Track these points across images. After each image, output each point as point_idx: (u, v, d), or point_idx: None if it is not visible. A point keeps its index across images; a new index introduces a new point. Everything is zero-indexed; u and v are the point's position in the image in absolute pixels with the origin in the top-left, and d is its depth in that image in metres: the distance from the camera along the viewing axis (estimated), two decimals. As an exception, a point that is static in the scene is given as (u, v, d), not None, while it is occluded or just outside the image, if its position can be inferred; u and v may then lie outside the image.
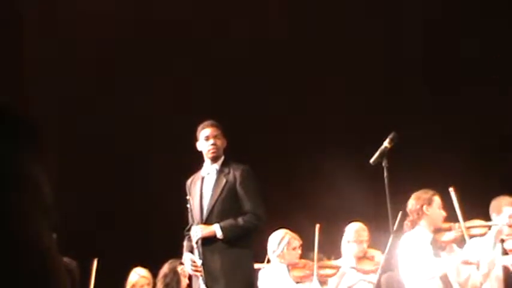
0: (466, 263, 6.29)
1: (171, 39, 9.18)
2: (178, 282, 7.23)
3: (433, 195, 6.41)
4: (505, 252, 6.53)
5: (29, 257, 1.42)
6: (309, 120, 9.14)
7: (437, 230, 6.40)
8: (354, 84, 9.06)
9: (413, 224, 6.40)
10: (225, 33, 9.27)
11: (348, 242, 7.25)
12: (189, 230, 6.10)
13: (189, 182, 6.21)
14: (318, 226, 6.97)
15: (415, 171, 7.66)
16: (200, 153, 6.15)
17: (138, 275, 7.73)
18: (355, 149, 7.14)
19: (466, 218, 6.46)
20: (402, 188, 6.37)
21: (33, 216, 1.50)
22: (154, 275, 7.57)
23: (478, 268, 6.31)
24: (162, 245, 7.62)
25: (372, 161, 5.70)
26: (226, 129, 6.20)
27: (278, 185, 8.67)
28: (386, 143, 5.71)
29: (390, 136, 5.74)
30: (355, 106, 9.06)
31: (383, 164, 5.65)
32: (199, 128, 6.15)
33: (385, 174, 5.61)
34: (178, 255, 6.60)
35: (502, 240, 6.56)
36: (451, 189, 6.47)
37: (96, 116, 9.00)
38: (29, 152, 1.53)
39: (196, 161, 6.22)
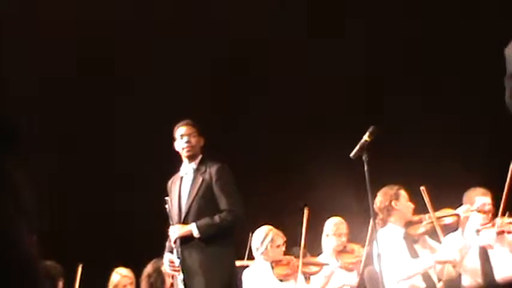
0: (440, 262, 6.34)
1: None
2: (162, 282, 7.21)
3: (399, 189, 6.48)
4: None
5: (7, 261, 1.40)
6: (292, 118, 9.14)
7: (409, 223, 6.45)
8: (335, 82, 9.06)
9: (384, 221, 6.45)
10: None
11: (327, 235, 7.28)
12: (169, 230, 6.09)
13: (169, 182, 6.21)
14: (306, 209, 6.96)
15: (395, 164, 7.67)
16: (178, 154, 6.14)
17: (120, 274, 7.72)
18: (336, 143, 7.13)
19: (436, 209, 6.54)
20: (384, 181, 6.41)
21: (11, 218, 1.48)
22: (137, 275, 7.56)
23: (453, 264, 6.36)
24: (144, 245, 7.60)
25: (352, 154, 5.71)
26: (205, 126, 6.19)
27: (260, 180, 8.68)
28: (366, 137, 5.72)
29: (370, 130, 5.75)
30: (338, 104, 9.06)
31: (363, 158, 5.66)
32: (175, 127, 6.15)
33: (366, 168, 5.62)
34: (161, 255, 6.59)
35: (478, 232, 6.62)
36: (422, 188, 6.54)
37: (76, 114, 8.93)
38: (7, 151, 1.51)
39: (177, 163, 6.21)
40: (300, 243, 6.96)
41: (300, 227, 7.00)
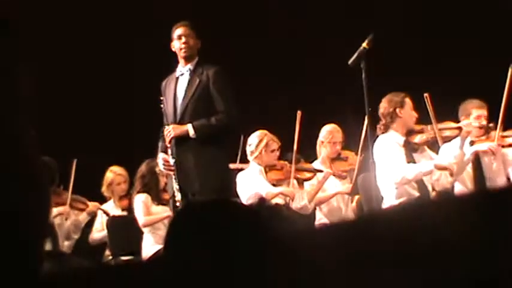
0: (439, 167, 6.36)
1: None
2: (156, 182, 7.25)
3: (404, 97, 6.43)
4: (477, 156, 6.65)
5: (9, 156, 1.38)
6: (290, 22, 9.04)
7: (410, 132, 6.45)
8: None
9: (386, 127, 6.43)
10: None
11: (322, 142, 7.29)
12: (162, 131, 6.10)
13: (163, 83, 6.19)
14: (299, 113, 6.95)
15: (393, 74, 7.61)
16: (175, 54, 6.10)
17: (114, 173, 7.77)
18: (335, 49, 7.07)
19: (439, 121, 6.53)
20: (381, 90, 6.37)
21: (10, 110, 1.45)
22: (131, 174, 7.60)
23: (450, 172, 6.39)
24: (138, 144, 7.61)
25: (349, 62, 5.66)
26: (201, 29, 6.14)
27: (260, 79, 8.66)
28: (364, 44, 5.66)
29: (369, 37, 5.69)
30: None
31: (361, 66, 5.62)
32: (173, 28, 6.12)
33: (363, 76, 5.58)
34: (155, 155, 6.61)
35: (472, 143, 6.65)
36: (426, 95, 6.51)
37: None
38: (3, 44, 1.48)
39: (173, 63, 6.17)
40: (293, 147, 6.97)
41: (293, 133, 7.00)
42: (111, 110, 8.87)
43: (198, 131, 5.88)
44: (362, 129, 6.75)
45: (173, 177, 5.90)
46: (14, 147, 1.46)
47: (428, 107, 6.49)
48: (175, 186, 5.87)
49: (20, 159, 1.47)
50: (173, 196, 5.95)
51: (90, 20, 8.80)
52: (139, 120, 8.31)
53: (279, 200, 6.83)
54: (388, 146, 6.32)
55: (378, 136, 6.38)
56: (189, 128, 5.90)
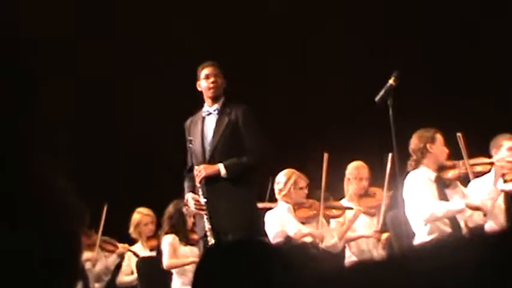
0: (471, 207, 6.29)
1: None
2: (184, 222, 7.24)
3: (435, 132, 6.39)
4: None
5: (36, 197, 1.39)
6: (311, 60, 9.06)
7: (441, 168, 6.39)
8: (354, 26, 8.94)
9: (417, 163, 6.38)
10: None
11: (349, 179, 7.28)
12: (189, 171, 6.10)
13: (188, 122, 6.20)
14: (326, 156, 6.94)
15: (421, 112, 7.58)
16: (200, 94, 6.10)
17: (141, 213, 7.79)
18: (361, 86, 7.07)
19: (470, 157, 6.46)
20: (408, 127, 6.34)
21: (41, 157, 1.46)
22: (158, 215, 7.60)
23: (482, 211, 6.30)
24: (164, 186, 7.62)
25: (376, 99, 5.65)
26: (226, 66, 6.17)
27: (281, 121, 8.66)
28: (390, 81, 5.65)
29: (395, 74, 5.67)
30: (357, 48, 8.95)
31: (388, 103, 5.60)
32: (200, 67, 6.12)
33: (390, 113, 5.56)
34: (181, 195, 6.60)
35: (503, 175, 6.57)
36: (459, 135, 6.45)
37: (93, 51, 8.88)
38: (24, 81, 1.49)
39: (197, 104, 6.18)
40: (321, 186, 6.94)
41: (321, 171, 6.98)
42: (135, 152, 8.90)
43: (229, 170, 5.88)
44: (388, 165, 6.72)
45: (205, 217, 5.86)
46: (42, 190, 1.46)
47: (461, 146, 6.43)
48: (207, 226, 5.83)
49: (49, 201, 1.48)
50: (204, 236, 5.90)
51: (110, 64, 8.87)
52: (163, 160, 8.33)
53: (307, 239, 6.79)
54: (418, 182, 6.27)
55: (408, 172, 6.34)
56: (221, 168, 5.90)
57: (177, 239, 7.22)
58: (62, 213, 1.45)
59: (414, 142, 6.38)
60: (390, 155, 5.82)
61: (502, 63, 8.42)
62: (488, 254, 1.31)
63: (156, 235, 7.70)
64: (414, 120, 6.57)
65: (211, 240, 5.79)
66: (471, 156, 6.47)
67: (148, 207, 7.84)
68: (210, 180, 5.91)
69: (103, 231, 7.50)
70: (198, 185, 5.93)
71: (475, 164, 6.46)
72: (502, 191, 6.43)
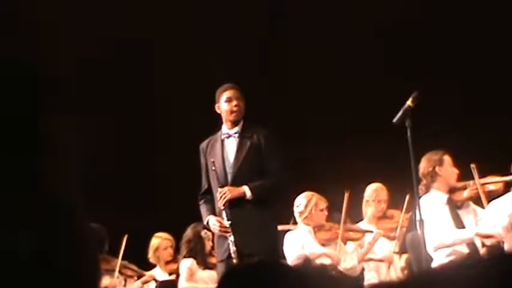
0: (481, 236, 6.25)
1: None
2: (202, 246, 7.24)
3: (443, 154, 6.37)
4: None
5: (57, 223, 1.39)
6: (330, 84, 9.06)
7: (453, 189, 6.36)
8: (372, 45, 8.96)
9: (428, 187, 6.36)
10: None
11: (367, 202, 7.27)
12: (204, 193, 6.08)
13: (204, 144, 6.15)
14: (347, 193, 6.95)
15: (438, 134, 7.56)
16: (218, 116, 6.08)
17: (160, 238, 7.78)
18: (378, 109, 7.06)
19: (481, 176, 6.43)
20: (426, 149, 6.33)
21: (59, 178, 1.47)
22: (177, 238, 7.60)
23: (493, 238, 6.25)
24: (182, 209, 7.62)
25: (394, 120, 5.63)
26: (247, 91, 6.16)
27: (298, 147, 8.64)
28: (409, 102, 5.63)
29: (413, 95, 5.66)
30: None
31: (406, 124, 5.59)
32: (220, 89, 6.07)
33: (408, 134, 5.55)
34: (198, 219, 6.60)
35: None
36: (473, 166, 6.42)
37: (116, 76, 8.94)
38: (52, 111, 1.49)
39: (211, 125, 6.17)
40: (341, 210, 6.93)
41: (340, 194, 6.98)
42: (149, 175, 8.93)
43: (254, 192, 5.88)
44: (407, 187, 6.70)
45: (229, 239, 5.83)
46: (60, 212, 1.47)
47: (475, 178, 6.39)
48: (233, 248, 5.81)
49: (68, 224, 1.48)
50: (227, 259, 5.86)
51: (125, 92, 8.93)
52: (179, 184, 8.34)
53: (326, 261, 6.77)
54: (430, 207, 6.24)
55: (420, 197, 6.31)
56: (246, 190, 5.89)
57: (195, 262, 7.22)
58: (81, 236, 1.46)
59: (423, 166, 6.36)
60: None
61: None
62: (507, 275, 1.31)
63: (175, 259, 7.69)
64: (435, 141, 6.57)
65: (237, 262, 5.77)
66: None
67: (166, 231, 7.82)
68: (234, 203, 5.89)
69: (123, 256, 7.46)
70: (221, 207, 5.90)
71: (487, 183, 6.43)
72: None
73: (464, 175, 6.47)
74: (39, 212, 1.38)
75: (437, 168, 6.31)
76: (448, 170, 6.35)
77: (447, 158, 6.35)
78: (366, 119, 8.47)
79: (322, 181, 7.31)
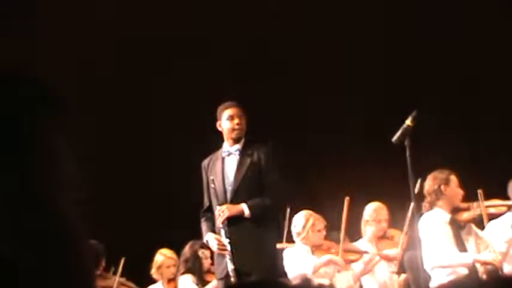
0: (480, 262, 6.24)
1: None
2: (200, 265, 7.23)
3: (450, 174, 6.37)
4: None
5: (54, 237, 1.38)
6: (329, 99, 9.07)
7: (456, 210, 6.35)
8: (373, 63, 8.98)
9: (432, 205, 6.36)
10: None
11: (367, 221, 7.24)
12: (205, 211, 6.08)
13: (205, 162, 6.15)
14: (347, 199, 6.92)
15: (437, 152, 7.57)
16: (219, 134, 6.08)
17: (164, 256, 7.75)
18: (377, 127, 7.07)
19: (486, 198, 6.42)
20: (425, 168, 6.33)
21: (55, 191, 1.45)
22: (177, 256, 7.58)
23: (492, 265, 6.24)
24: (181, 226, 7.61)
25: (394, 139, 5.64)
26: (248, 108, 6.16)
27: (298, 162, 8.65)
28: (408, 122, 5.64)
29: (412, 114, 5.67)
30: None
31: (405, 143, 5.59)
32: (222, 107, 6.07)
33: (408, 153, 5.55)
34: (197, 236, 6.59)
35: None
36: (480, 192, 6.41)
37: (116, 95, 8.95)
38: (49, 119, 1.49)
39: (211, 142, 6.17)
40: (340, 228, 6.90)
41: (338, 212, 6.96)
42: (147, 191, 8.92)
43: (253, 210, 5.86)
44: (407, 206, 6.69)
45: (227, 257, 5.82)
46: (57, 227, 1.46)
47: (481, 203, 6.38)
48: (231, 266, 5.79)
49: (64, 239, 1.47)
50: (226, 277, 5.84)
51: (130, 94, 8.93)
52: (178, 201, 8.33)
53: (324, 281, 6.75)
54: (432, 225, 6.24)
55: (422, 214, 6.31)
56: (244, 208, 5.88)
57: (194, 278, 7.20)
58: (76, 247, 1.45)
59: (429, 184, 6.37)
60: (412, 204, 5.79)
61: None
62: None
63: (175, 278, 7.66)
64: (435, 160, 6.57)
65: (235, 281, 5.76)
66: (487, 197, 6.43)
67: (168, 247, 7.80)
68: (232, 221, 5.87)
69: (121, 273, 7.42)
70: (220, 225, 5.89)
71: (490, 206, 6.42)
72: None
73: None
74: (37, 225, 1.38)
75: (442, 187, 6.31)
76: (454, 190, 6.34)
77: (453, 178, 6.35)
78: (366, 136, 8.47)
79: (318, 199, 7.29)
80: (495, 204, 6.44)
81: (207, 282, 7.21)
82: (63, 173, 1.47)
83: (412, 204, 6.10)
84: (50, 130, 1.48)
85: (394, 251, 7.01)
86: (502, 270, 6.24)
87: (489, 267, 6.31)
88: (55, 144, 1.49)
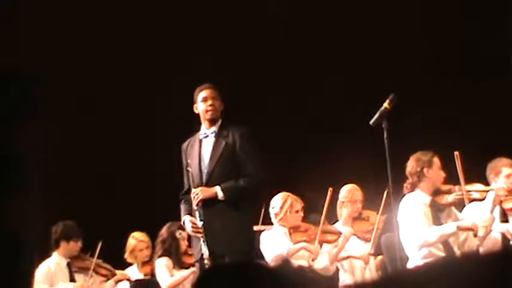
0: (462, 228, 6.25)
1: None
2: (177, 247, 7.23)
3: (433, 156, 6.34)
4: (504, 213, 6.50)
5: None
6: (310, 81, 9.09)
7: (437, 192, 6.35)
8: (354, 46, 8.99)
9: (413, 186, 6.33)
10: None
11: (342, 203, 7.27)
12: (185, 193, 6.09)
13: (185, 145, 6.18)
14: (330, 190, 6.95)
15: (415, 133, 7.60)
16: (197, 116, 6.11)
17: (136, 239, 7.75)
18: (355, 110, 7.10)
19: (467, 182, 6.42)
20: (403, 150, 6.34)
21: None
22: (152, 238, 7.58)
23: (474, 232, 6.27)
24: (159, 208, 7.61)
25: (371, 122, 5.67)
26: (228, 91, 6.16)
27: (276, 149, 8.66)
28: (385, 104, 5.67)
29: (390, 97, 5.70)
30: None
31: (383, 126, 5.62)
32: (197, 90, 6.11)
33: (385, 135, 5.58)
34: (175, 218, 6.61)
35: (501, 201, 6.53)
36: (456, 153, 6.39)
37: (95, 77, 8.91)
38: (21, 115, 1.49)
39: (192, 125, 6.18)
40: (322, 212, 6.92)
41: (316, 195, 6.99)
42: (130, 173, 8.91)
43: (226, 193, 5.87)
44: (384, 188, 6.71)
45: (201, 239, 5.84)
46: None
47: (457, 165, 6.36)
48: (204, 248, 5.82)
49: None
50: (201, 259, 5.87)
51: (106, 88, 8.90)
52: (158, 183, 8.33)
53: (303, 262, 6.78)
54: (413, 206, 6.22)
55: (404, 195, 6.32)
56: (218, 191, 5.89)
57: (170, 261, 7.21)
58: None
59: (411, 165, 6.34)
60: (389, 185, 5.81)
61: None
62: (481, 274, 1.32)
63: (151, 260, 7.65)
64: (412, 143, 6.59)
65: (208, 263, 5.78)
66: (468, 179, 6.42)
67: (144, 230, 7.80)
68: (207, 203, 5.88)
69: (99, 255, 7.41)
70: (195, 207, 5.91)
71: (472, 191, 6.41)
72: (503, 234, 6.40)
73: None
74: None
75: (425, 170, 6.28)
76: (436, 172, 6.31)
77: (436, 161, 6.31)
78: (341, 118, 8.49)
79: (302, 182, 7.32)
80: (478, 190, 6.41)
81: (184, 264, 7.22)
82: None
83: (388, 185, 6.13)
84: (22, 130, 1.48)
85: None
86: (476, 236, 6.22)
87: (467, 245, 6.32)
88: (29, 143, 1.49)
